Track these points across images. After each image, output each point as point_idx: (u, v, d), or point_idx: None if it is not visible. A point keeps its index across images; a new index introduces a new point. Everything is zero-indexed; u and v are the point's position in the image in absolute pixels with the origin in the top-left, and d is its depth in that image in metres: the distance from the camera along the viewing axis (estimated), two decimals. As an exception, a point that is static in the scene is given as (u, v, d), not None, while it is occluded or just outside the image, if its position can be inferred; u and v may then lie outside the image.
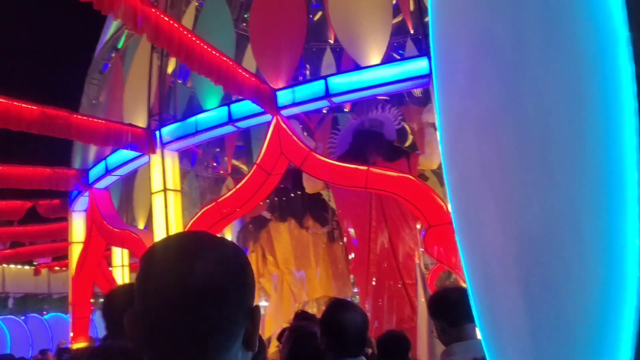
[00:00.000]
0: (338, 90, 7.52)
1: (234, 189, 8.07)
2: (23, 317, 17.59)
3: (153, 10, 5.81)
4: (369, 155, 8.38)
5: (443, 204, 6.91)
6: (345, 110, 11.96)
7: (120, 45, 11.38)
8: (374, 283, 8.03)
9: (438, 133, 1.57)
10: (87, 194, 10.34)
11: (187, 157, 13.27)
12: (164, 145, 8.55)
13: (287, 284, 8.78)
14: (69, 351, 8.46)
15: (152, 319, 0.90)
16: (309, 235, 8.84)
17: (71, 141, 11.16)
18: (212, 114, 8.30)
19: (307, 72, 12.83)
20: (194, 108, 9.71)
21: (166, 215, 8.30)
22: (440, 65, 1.68)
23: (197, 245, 0.94)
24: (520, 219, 1.31)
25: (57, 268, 18.33)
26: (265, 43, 8.33)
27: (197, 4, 11.33)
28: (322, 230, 8.88)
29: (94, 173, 10.02)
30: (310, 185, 8.88)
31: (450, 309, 2.82)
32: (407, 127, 10.59)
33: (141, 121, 9.01)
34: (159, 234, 8.34)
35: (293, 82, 8.01)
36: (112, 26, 11.37)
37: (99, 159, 9.93)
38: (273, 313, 8.70)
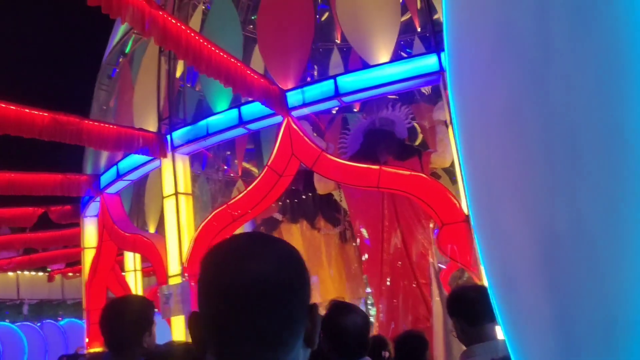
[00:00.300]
0: (348, 89, 7.49)
1: (245, 191, 8.05)
2: (39, 324, 17.70)
3: (160, 12, 5.80)
4: (380, 155, 8.31)
5: (456, 202, 6.84)
6: (354, 110, 11.92)
7: (127, 50, 11.40)
8: (388, 283, 7.96)
9: (454, 129, 1.51)
10: (98, 199, 10.36)
11: (198, 161, 13.29)
12: (174, 149, 8.56)
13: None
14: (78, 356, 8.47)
15: (220, 320, 0.91)
16: (321, 236, 8.80)
17: (83, 147, 11.19)
18: (222, 116, 8.29)
19: (315, 73, 12.81)
20: (203, 111, 9.70)
21: (178, 219, 8.30)
22: (456, 59, 1.62)
23: (258, 245, 0.97)
24: (547, 216, 1.25)
25: (70, 274, 18.43)
26: (273, 44, 8.31)
27: (204, 7, 11.34)
28: (334, 231, 8.83)
29: (105, 178, 10.05)
30: (322, 186, 8.83)
31: (470, 308, 2.76)
32: (416, 125, 10.51)
33: (151, 125, 9.02)
34: (171, 238, 8.33)
35: (302, 83, 7.97)
36: (120, 31, 11.40)
37: (111, 164, 9.95)
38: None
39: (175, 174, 8.46)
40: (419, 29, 12.29)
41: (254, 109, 7.91)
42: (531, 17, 1.32)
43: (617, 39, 1.09)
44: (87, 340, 10.71)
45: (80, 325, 13.91)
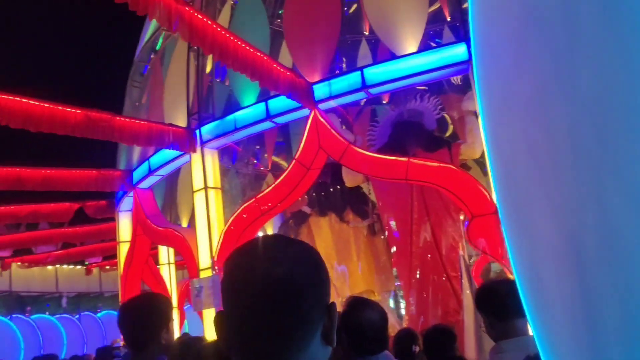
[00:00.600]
0: (375, 81, 7.42)
1: (273, 185, 8.08)
2: (77, 316, 18.20)
3: (187, 8, 5.85)
4: (408, 147, 8.23)
5: (486, 194, 6.73)
6: (383, 102, 11.83)
7: (158, 47, 11.55)
8: (417, 276, 7.90)
9: (480, 119, 1.47)
10: (131, 194, 10.56)
11: (228, 155, 13.42)
12: (203, 143, 8.64)
13: (330, 279, 8.75)
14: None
15: (238, 319, 0.97)
16: (349, 229, 8.77)
17: (116, 143, 11.41)
18: (250, 110, 8.33)
19: (344, 65, 12.76)
20: (233, 106, 9.78)
21: (207, 213, 8.38)
22: (481, 46, 1.57)
23: (275, 248, 1.03)
24: (575, 209, 1.19)
25: (107, 267, 18.87)
26: (299, 37, 8.30)
27: (232, 2, 11.39)
28: (362, 224, 8.79)
29: (137, 173, 10.23)
30: (350, 178, 8.80)
31: (499, 303, 2.70)
32: (447, 116, 10.37)
33: (181, 121, 9.13)
34: (201, 232, 8.43)
35: (329, 75, 7.94)
36: (150, 28, 11.56)
37: (143, 159, 10.13)
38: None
39: (204, 169, 8.55)
40: (448, 18, 12.11)
41: (281, 102, 7.92)
42: (558, 1, 1.27)
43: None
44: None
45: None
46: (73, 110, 7.38)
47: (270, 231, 13.28)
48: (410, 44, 7.56)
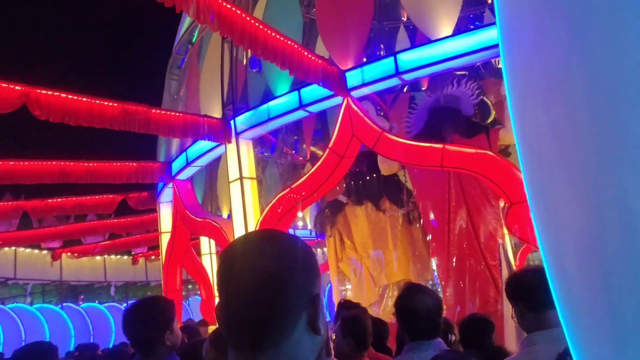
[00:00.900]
0: (408, 66, 7.26)
1: (308, 174, 8.05)
2: (125, 305, 18.75)
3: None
4: (445, 133, 8.05)
5: (525, 180, 6.50)
6: (422, 88, 11.61)
7: (194, 39, 11.67)
8: (454, 265, 7.74)
9: (507, 100, 1.42)
10: (171, 185, 10.74)
11: (267, 146, 13.49)
12: (238, 134, 8.68)
13: (366, 268, 8.67)
14: None
15: (227, 309, 1.07)
16: (386, 218, 8.66)
17: (156, 135, 11.61)
18: (283, 100, 8.31)
19: (382, 52, 12.60)
20: (269, 96, 9.80)
21: (243, 203, 8.44)
22: (505, 23, 1.52)
23: (260, 243, 1.12)
24: (597, 193, 1.12)
25: (152, 257, 19.35)
26: (332, 24, 8.21)
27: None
28: (399, 212, 8.66)
29: (176, 165, 10.39)
30: (386, 167, 8.68)
31: (530, 293, 2.61)
32: (488, 102, 10.10)
33: (217, 112, 9.20)
34: (237, 222, 8.49)
35: (362, 62, 7.82)
36: (186, 21, 11.68)
37: (181, 151, 10.27)
38: (354, 297, 8.62)
39: (239, 159, 8.59)
40: (489, 1, 11.77)
41: (314, 91, 7.86)
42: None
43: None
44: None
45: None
46: (110, 104, 7.54)
47: (307, 220, 13.31)
48: (445, 28, 7.36)
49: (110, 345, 12.63)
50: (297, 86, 8.31)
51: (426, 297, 2.79)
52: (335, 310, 5.08)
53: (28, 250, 18.54)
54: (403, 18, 12.74)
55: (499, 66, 9.68)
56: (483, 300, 7.43)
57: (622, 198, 1.06)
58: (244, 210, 8.43)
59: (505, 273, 7.13)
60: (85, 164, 9.90)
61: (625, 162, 1.05)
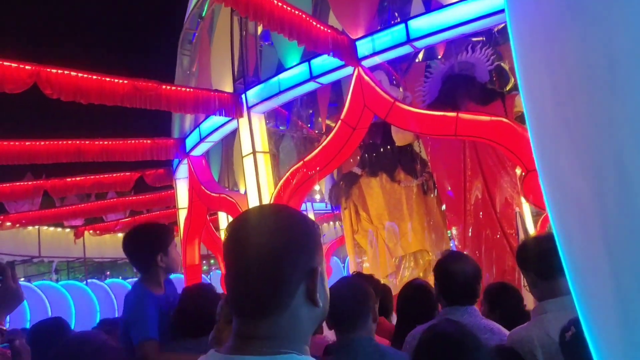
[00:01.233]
0: (419, 34, 7.07)
1: (320, 147, 7.97)
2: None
3: (218, -30, 5.73)
4: (460, 101, 7.87)
5: (542, 147, 6.34)
6: (438, 57, 11.35)
7: (204, 13, 11.54)
8: (469, 234, 7.64)
9: (515, 62, 1.39)
10: (186, 161, 10.76)
11: (282, 120, 13.39)
12: (249, 108, 8.62)
13: (382, 239, 8.61)
14: None
15: (231, 280, 1.15)
16: (401, 189, 8.55)
17: (170, 112, 11.61)
18: (293, 72, 8.19)
19: (397, 21, 12.31)
20: (281, 69, 9.69)
21: (257, 177, 8.42)
22: None
23: (261, 218, 1.20)
24: (597, 154, 1.11)
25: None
26: (341, -9, 8.01)
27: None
28: (414, 183, 8.55)
29: (190, 141, 10.39)
30: (400, 137, 8.54)
31: (541, 260, 2.63)
32: (506, 68, 9.84)
33: (228, 86, 9.13)
34: (252, 196, 8.49)
35: (372, 31, 7.64)
36: (195, -5, 11.54)
37: (194, 127, 10.26)
38: (370, 269, 8.60)
39: (252, 133, 8.54)
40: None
41: (324, 62, 7.73)
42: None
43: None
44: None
45: (181, 280, 14.78)
46: (120, 81, 7.52)
47: (324, 192, 13.25)
48: (458, -8, 7.13)
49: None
50: (307, 58, 8.18)
51: (465, 264, 2.87)
52: None
53: (52, 228, 18.90)
54: (417, -16, 12.41)
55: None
56: (500, 269, 7.36)
57: (620, 158, 1.05)
58: (257, 185, 8.42)
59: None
60: (101, 143, 9.96)
61: (622, 122, 1.04)
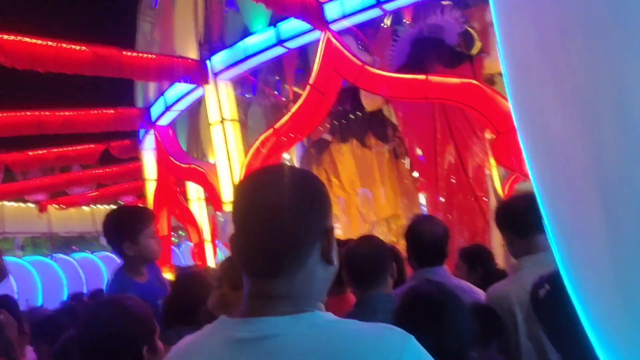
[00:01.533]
0: (390, -5, 6.94)
1: (290, 113, 7.85)
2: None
3: None
4: (428, 65, 7.81)
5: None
6: (405, 21, 11.23)
7: (166, -23, 11.11)
8: (442, 199, 7.70)
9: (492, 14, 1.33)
10: (152, 132, 10.50)
11: (248, 87, 13.13)
12: (215, 75, 8.39)
13: (355, 206, 8.64)
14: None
15: (242, 239, 1.14)
16: (372, 154, 8.56)
17: (133, 80, 11.25)
18: (260, 37, 7.98)
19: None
20: (247, 34, 9.43)
21: (226, 146, 8.27)
22: None
23: (274, 176, 1.17)
24: (591, 108, 1.09)
25: (140, 205, 19.25)
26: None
27: None
28: (385, 148, 8.55)
29: (155, 110, 10.12)
30: (369, 102, 8.48)
31: (518, 219, 2.70)
32: (473, 32, 9.79)
33: (193, 53, 8.86)
34: (221, 165, 8.35)
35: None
36: (156, -43, 11.09)
37: (159, 95, 9.97)
38: (343, 236, 8.63)
39: (219, 101, 8.35)
40: None
41: (292, 26, 7.55)
42: None
43: None
44: (156, 266, 11.21)
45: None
46: (79, 48, 7.20)
47: (294, 161, 13.17)
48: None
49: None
50: (273, 23, 7.97)
51: (434, 226, 2.94)
52: None
53: (15, 204, 18.39)
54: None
55: (484, -8, 9.35)
56: (472, 232, 7.45)
57: (617, 107, 1.02)
58: (227, 154, 8.27)
59: (493, 204, 7.13)
60: (62, 114, 9.61)
61: (620, 62, 1.00)
